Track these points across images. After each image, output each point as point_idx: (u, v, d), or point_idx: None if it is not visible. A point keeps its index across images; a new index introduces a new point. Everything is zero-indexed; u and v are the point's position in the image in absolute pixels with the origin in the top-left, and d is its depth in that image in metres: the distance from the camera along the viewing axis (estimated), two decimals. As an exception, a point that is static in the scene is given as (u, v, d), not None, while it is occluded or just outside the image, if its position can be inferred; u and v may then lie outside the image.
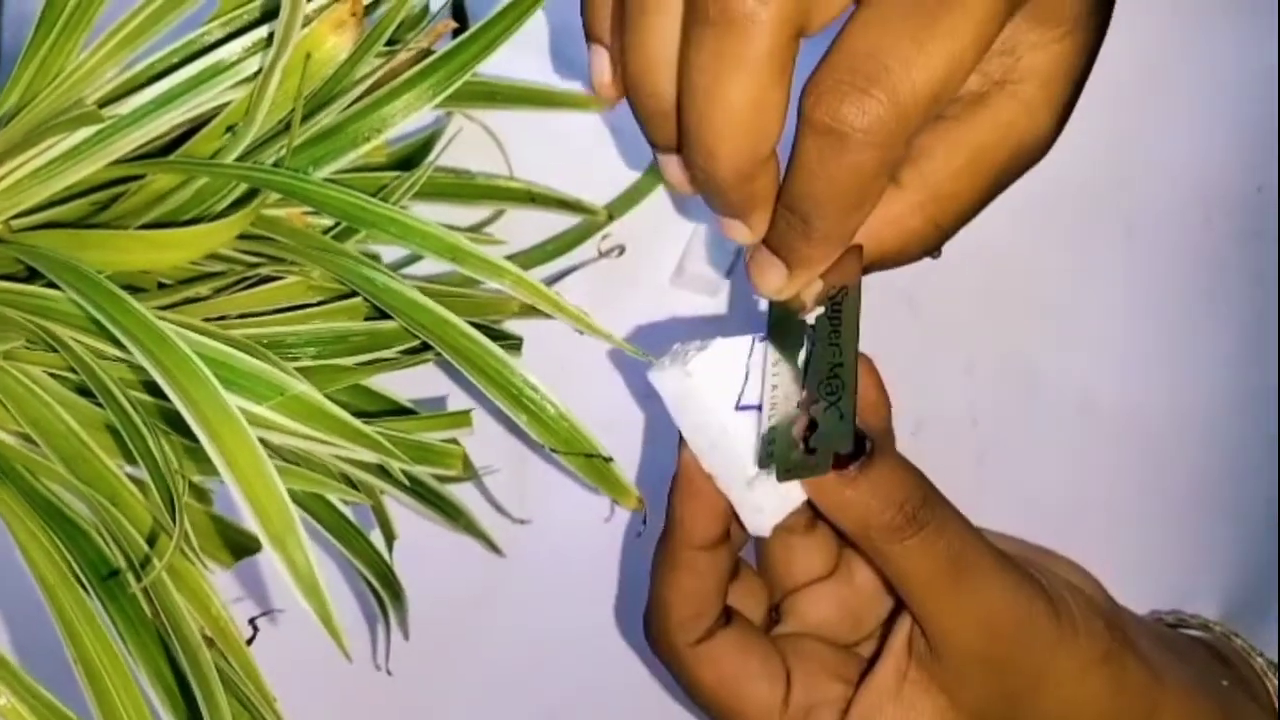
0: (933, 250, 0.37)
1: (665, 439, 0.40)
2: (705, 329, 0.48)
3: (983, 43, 0.32)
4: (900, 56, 0.31)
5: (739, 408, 0.37)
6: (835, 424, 0.36)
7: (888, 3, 0.31)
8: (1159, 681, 0.40)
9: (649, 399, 0.46)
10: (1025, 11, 0.34)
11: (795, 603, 0.41)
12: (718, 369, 0.37)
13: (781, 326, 0.37)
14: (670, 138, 0.34)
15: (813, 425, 0.36)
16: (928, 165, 0.36)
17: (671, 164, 0.36)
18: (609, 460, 0.40)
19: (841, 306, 0.36)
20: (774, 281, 0.36)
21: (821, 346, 0.36)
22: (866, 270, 0.37)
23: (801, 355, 0.36)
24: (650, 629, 0.40)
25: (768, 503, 0.38)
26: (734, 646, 0.39)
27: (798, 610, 0.41)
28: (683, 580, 0.38)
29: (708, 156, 0.33)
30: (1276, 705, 0.42)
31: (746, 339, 0.37)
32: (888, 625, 0.40)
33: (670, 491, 0.39)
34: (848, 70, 0.31)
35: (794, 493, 0.38)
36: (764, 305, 0.38)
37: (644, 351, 0.38)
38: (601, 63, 0.36)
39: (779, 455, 0.36)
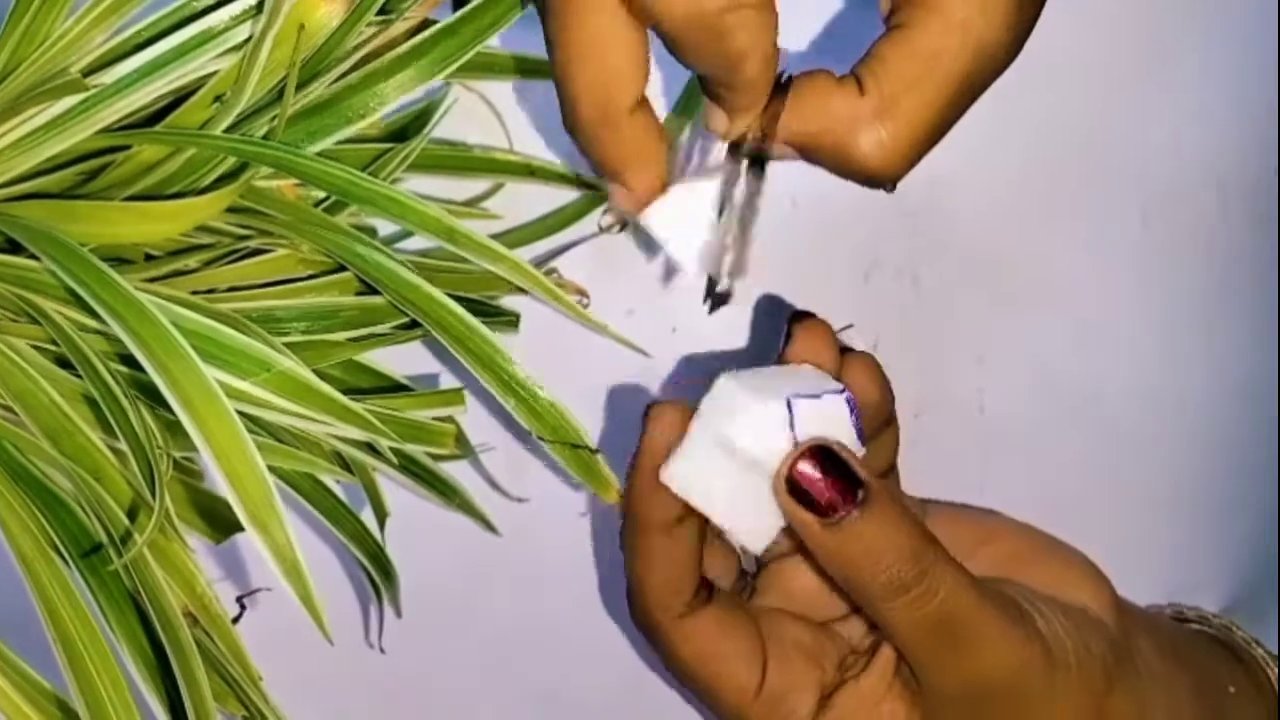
0: (888, 178, 0.36)
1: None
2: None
3: None
4: None
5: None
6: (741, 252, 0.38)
7: None
8: (1164, 699, 0.39)
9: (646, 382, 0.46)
10: None
11: (774, 574, 0.40)
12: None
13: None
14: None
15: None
16: (883, 72, 0.35)
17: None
18: (596, 452, 0.40)
19: (766, 147, 0.37)
20: (719, 124, 0.37)
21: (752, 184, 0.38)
22: (815, 160, 0.37)
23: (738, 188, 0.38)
24: (631, 606, 0.39)
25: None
26: (714, 624, 0.38)
27: (777, 583, 0.40)
28: (651, 561, 0.38)
29: (567, 113, 0.34)
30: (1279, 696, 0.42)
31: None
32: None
33: (627, 475, 0.38)
34: None
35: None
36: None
37: (634, 344, 0.38)
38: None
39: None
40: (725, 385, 0.36)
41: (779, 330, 0.42)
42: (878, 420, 0.39)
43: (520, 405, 0.38)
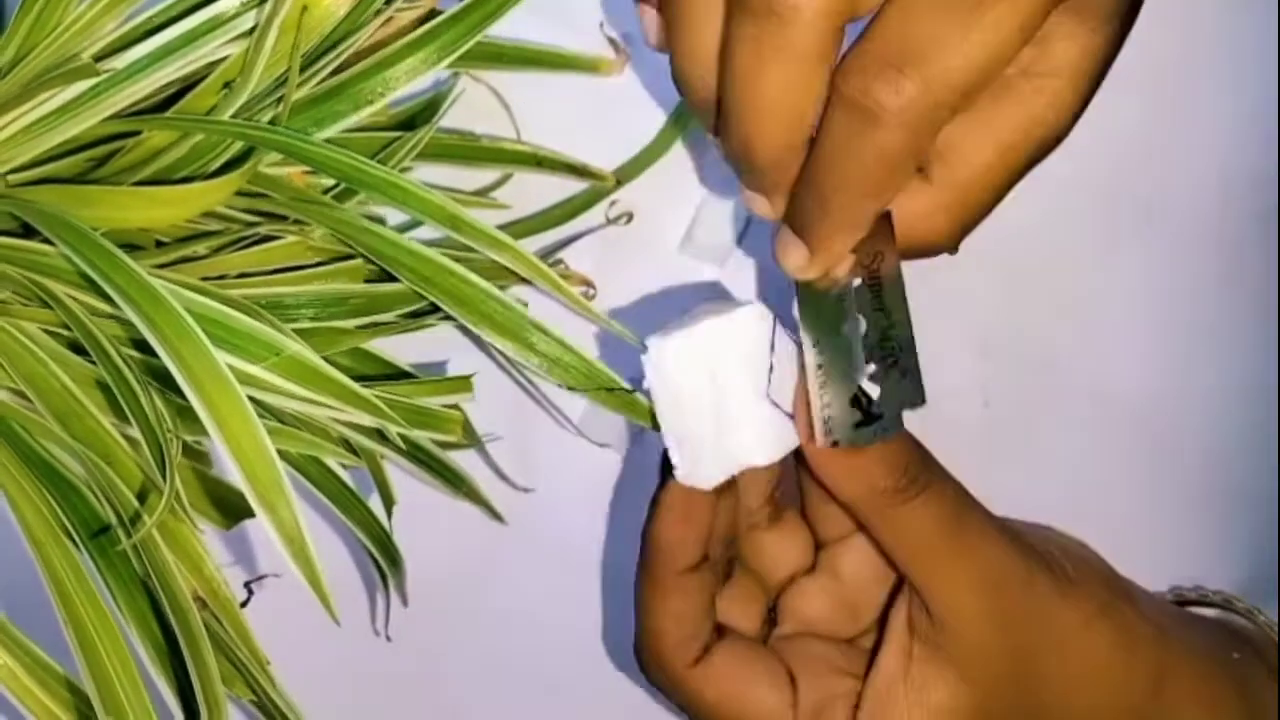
0: (952, 248, 0.37)
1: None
2: (712, 297, 0.47)
3: (1025, 36, 0.31)
4: (940, 42, 0.30)
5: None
6: (898, 383, 0.36)
7: None
8: (1165, 641, 0.39)
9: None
10: (1066, 2, 0.33)
11: (787, 601, 0.40)
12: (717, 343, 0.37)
13: (813, 302, 0.36)
14: (713, 118, 0.34)
15: (862, 394, 0.36)
16: (956, 162, 0.35)
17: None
18: (633, 390, 0.39)
19: (880, 272, 0.36)
20: (797, 259, 0.35)
21: (867, 314, 0.36)
22: None
23: (845, 327, 0.36)
24: (644, 657, 0.39)
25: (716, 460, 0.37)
26: (732, 660, 0.38)
27: (791, 609, 0.40)
28: (673, 605, 0.38)
29: (744, 143, 0.33)
30: None
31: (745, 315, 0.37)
32: (884, 616, 0.39)
33: (650, 517, 0.38)
34: (884, 50, 0.30)
35: (739, 455, 0.37)
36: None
37: (638, 336, 0.38)
38: (650, 20, 0.35)
39: (837, 425, 0.36)
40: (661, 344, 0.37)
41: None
42: None
43: (545, 362, 0.38)
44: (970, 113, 0.35)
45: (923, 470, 0.37)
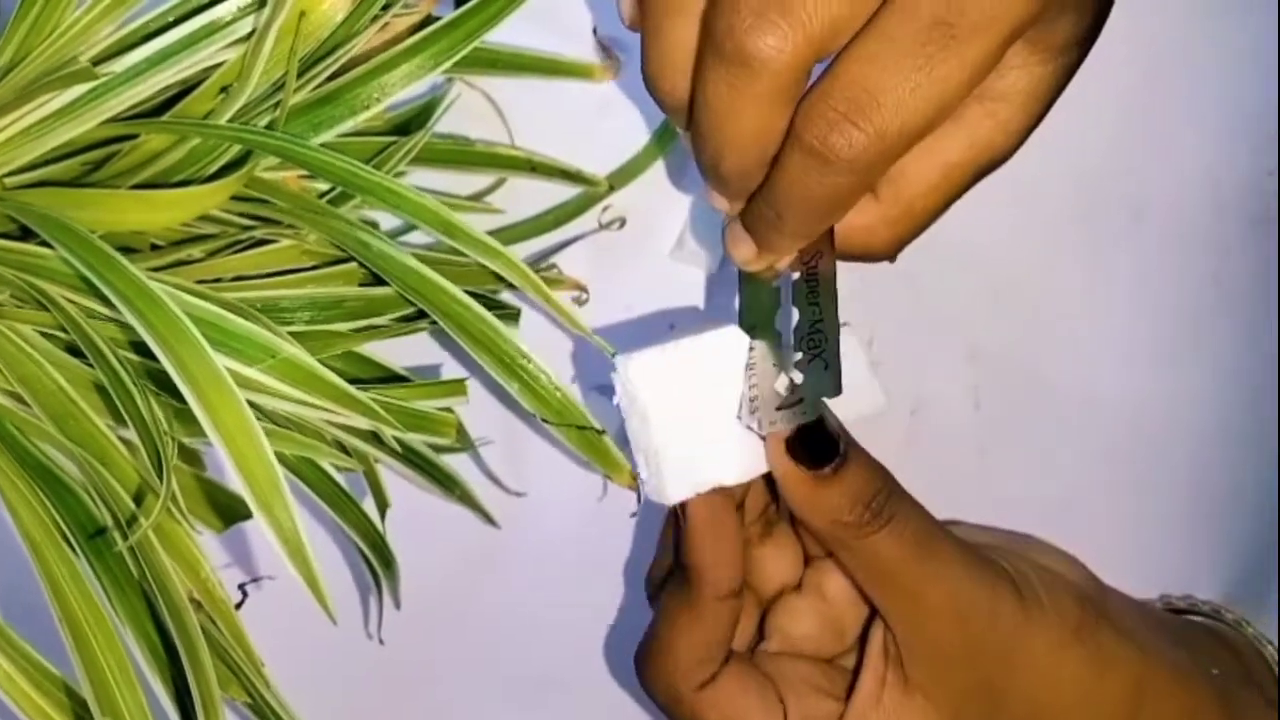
0: (891, 258, 0.38)
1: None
2: (701, 304, 0.48)
3: (973, 85, 0.32)
4: (893, 95, 0.32)
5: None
6: (820, 374, 0.37)
7: (889, 36, 0.32)
8: (1143, 657, 0.39)
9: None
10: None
11: (774, 619, 0.41)
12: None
13: (753, 290, 0.38)
14: (683, 123, 0.35)
15: (788, 380, 0.37)
16: (902, 181, 0.36)
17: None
18: (601, 433, 0.40)
19: (817, 269, 0.37)
20: (745, 254, 0.37)
21: (800, 307, 0.37)
22: None
23: (779, 316, 0.38)
24: (649, 674, 0.39)
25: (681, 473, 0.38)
26: (736, 684, 0.39)
27: (778, 626, 0.41)
28: (706, 633, 0.38)
29: (711, 159, 0.35)
30: None
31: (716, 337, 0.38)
32: (865, 635, 0.40)
33: (684, 537, 0.38)
34: (841, 99, 0.32)
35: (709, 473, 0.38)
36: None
37: (621, 347, 0.38)
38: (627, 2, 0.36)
39: (762, 405, 0.37)
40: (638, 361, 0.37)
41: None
42: None
43: (524, 389, 0.39)
44: None
45: (888, 502, 0.37)
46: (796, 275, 0.37)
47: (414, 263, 0.39)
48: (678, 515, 0.38)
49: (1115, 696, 0.39)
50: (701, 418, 0.37)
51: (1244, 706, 0.41)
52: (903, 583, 0.37)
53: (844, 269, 0.39)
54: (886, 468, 0.38)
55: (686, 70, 0.34)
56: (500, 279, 0.43)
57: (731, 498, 0.38)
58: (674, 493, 0.37)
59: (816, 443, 0.37)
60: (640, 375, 0.37)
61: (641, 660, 0.39)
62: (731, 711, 0.38)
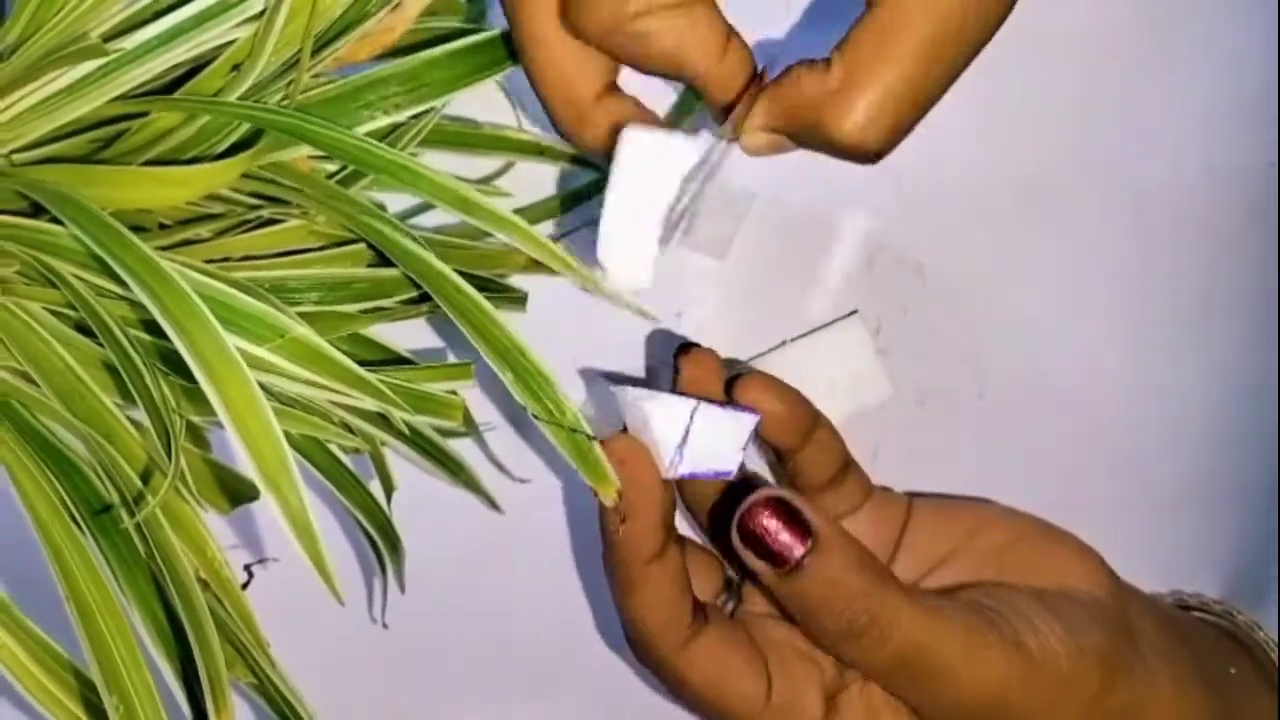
0: (871, 149, 0.36)
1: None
2: (712, 292, 0.47)
3: None
4: None
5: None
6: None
7: None
8: (1152, 685, 0.40)
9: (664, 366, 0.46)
10: None
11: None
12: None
13: None
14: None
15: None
16: (848, 48, 0.35)
17: None
18: (591, 439, 0.38)
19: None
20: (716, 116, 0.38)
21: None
22: (807, 144, 0.37)
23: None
24: (632, 643, 0.40)
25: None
26: (717, 646, 0.39)
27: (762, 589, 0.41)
28: (645, 596, 0.39)
29: (549, 116, 0.39)
30: None
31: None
32: None
33: (603, 511, 0.39)
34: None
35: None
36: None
37: (646, 311, 0.38)
38: None
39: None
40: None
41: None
42: (796, 429, 0.40)
43: (518, 381, 0.38)
44: (866, 8, 0.35)
45: (864, 609, 0.37)
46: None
47: (415, 246, 0.38)
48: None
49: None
50: (648, 214, 0.39)
51: (1257, 707, 0.41)
52: (890, 688, 0.39)
53: (851, 255, 0.39)
54: (867, 551, 0.38)
55: None
56: (510, 262, 0.43)
57: (653, 463, 0.39)
58: (634, 278, 0.39)
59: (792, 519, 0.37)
60: (648, 149, 0.38)
61: (624, 635, 0.40)
62: (713, 670, 0.39)
